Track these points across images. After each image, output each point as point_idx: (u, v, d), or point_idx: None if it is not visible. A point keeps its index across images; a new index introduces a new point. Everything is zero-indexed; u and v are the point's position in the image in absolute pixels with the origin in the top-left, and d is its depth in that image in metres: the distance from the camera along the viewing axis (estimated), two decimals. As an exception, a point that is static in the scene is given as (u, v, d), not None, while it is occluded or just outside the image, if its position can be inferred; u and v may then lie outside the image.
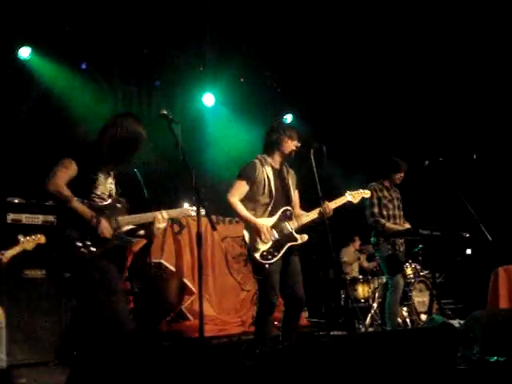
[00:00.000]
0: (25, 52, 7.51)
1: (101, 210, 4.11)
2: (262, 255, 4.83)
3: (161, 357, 5.08)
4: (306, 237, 5.08)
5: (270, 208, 5.01)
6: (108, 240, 4.06)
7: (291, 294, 5.04)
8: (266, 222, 4.95)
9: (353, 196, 5.41)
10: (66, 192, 3.95)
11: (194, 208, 4.56)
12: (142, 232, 4.46)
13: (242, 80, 9.77)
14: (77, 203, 3.98)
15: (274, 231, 4.94)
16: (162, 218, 4.32)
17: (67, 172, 4.03)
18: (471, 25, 8.22)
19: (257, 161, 5.12)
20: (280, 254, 4.90)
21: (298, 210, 5.22)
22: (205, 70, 9.39)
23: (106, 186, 4.25)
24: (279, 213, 5.03)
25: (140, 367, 3.91)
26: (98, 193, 4.16)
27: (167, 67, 9.08)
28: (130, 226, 4.29)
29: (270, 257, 4.85)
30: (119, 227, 4.16)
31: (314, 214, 5.10)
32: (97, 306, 4.05)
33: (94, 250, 4.00)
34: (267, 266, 4.83)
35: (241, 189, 5.04)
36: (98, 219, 4.01)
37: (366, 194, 5.62)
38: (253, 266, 4.97)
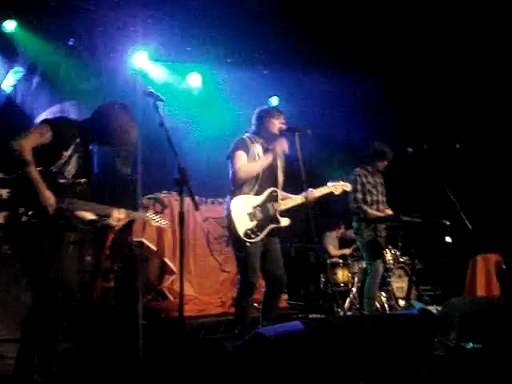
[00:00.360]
0: (10, 25, 7.41)
1: (59, 187, 4.03)
2: (245, 233, 4.85)
3: (139, 335, 5.09)
4: (288, 220, 5.13)
5: (256, 186, 5.04)
6: (48, 214, 3.94)
7: (273, 274, 5.09)
8: (252, 201, 4.97)
9: (335, 187, 5.49)
10: (28, 156, 3.84)
11: (155, 217, 4.60)
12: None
13: (229, 61, 9.72)
14: (34, 170, 3.87)
15: (259, 211, 4.95)
16: (117, 217, 4.27)
17: (39, 138, 3.95)
18: (456, 15, 8.21)
19: (246, 138, 5.15)
20: (262, 235, 4.93)
21: (282, 193, 5.25)
22: (191, 49, 9.30)
23: (75, 167, 4.17)
24: (266, 193, 5.05)
25: (119, 345, 3.92)
26: (64, 170, 4.09)
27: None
28: (89, 215, 4.23)
29: (252, 236, 4.87)
30: (72, 209, 4.08)
31: (298, 200, 5.14)
32: (36, 276, 4.02)
33: (34, 220, 3.91)
34: (248, 244, 4.85)
35: (242, 158, 5.05)
36: (45, 191, 3.91)
37: (347, 187, 5.67)
38: (234, 242, 4.99)
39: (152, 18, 8.31)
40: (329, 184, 5.49)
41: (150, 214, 4.61)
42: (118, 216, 4.26)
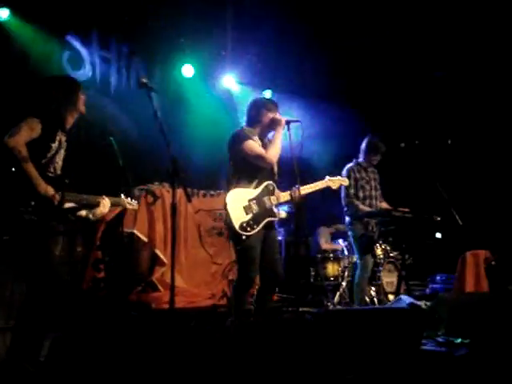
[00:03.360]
0: (3, 13, 7.38)
1: (50, 180, 4.09)
2: (240, 226, 4.84)
3: (130, 326, 5.09)
4: (284, 214, 5.13)
5: (257, 179, 5.03)
6: (53, 209, 4.04)
7: (268, 268, 5.07)
8: (248, 194, 4.97)
9: (332, 182, 5.51)
10: (25, 153, 3.91)
11: (132, 201, 4.71)
12: (83, 213, 4.45)
13: (224, 53, 9.75)
14: (31, 167, 3.94)
15: (255, 204, 4.95)
16: (106, 204, 4.37)
17: (31, 133, 4.00)
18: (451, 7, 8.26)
19: (244, 131, 5.13)
20: (258, 228, 4.91)
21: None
22: (185, 41, 9.32)
23: (61, 156, 4.24)
24: (262, 186, 5.04)
25: (109, 336, 3.93)
26: (54, 162, 4.16)
27: (147, 37, 8.99)
28: (72, 204, 4.28)
29: (248, 228, 4.85)
30: (63, 202, 4.13)
31: (286, 197, 5.13)
32: (33, 269, 4.07)
33: (35, 218, 3.98)
34: (244, 237, 4.85)
35: (256, 145, 5.03)
36: (45, 186, 4.00)
37: (345, 182, 5.75)
38: (232, 236, 5.00)
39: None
40: (326, 178, 5.51)
41: (125, 199, 4.69)
42: (107, 202, 4.41)
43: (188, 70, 9.50)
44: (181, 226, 7.53)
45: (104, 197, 4.42)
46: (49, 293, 4.03)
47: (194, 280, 7.60)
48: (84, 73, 8.37)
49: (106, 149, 5.15)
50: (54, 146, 4.14)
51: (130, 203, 4.75)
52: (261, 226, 4.95)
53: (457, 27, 8.44)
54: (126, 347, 4.58)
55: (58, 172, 4.20)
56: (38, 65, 7.75)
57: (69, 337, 4.34)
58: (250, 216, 4.91)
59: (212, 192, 7.94)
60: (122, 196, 4.70)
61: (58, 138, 4.19)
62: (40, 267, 4.03)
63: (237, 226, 4.85)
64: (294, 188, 5.12)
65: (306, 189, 5.26)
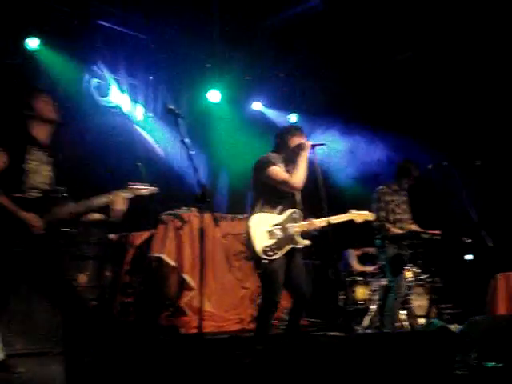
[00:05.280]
0: (33, 43, 7.53)
1: (32, 202, 3.88)
2: (263, 250, 4.83)
3: (158, 350, 5.09)
4: (307, 242, 5.10)
5: (280, 206, 5.03)
6: (36, 235, 3.84)
7: (297, 290, 5.06)
8: (272, 219, 4.97)
9: (356, 216, 5.44)
10: None
11: (138, 185, 4.35)
12: (96, 216, 4.25)
13: (248, 78, 9.83)
14: (3, 200, 3.74)
15: (279, 230, 4.94)
16: (123, 197, 4.10)
17: None
18: (476, 28, 8.23)
19: (269, 157, 5.14)
20: (280, 253, 4.89)
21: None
22: (211, 66, 9.42)
23: (45, 173, 4.03)
24: (287, 213, 5.03)
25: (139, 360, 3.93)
26: (34, 182, 3.93)
27: (174, 63, 9.11)
28: (97, 216, 4.18)
29: (270, 253, 4.84)
30: (55, 219, 3.94)
31: (304, 227, 5.10)
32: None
33: (20, 248, 3.80)
34: (265, 261, 4.84)
35: (281, 171, 5.03)
36: (23, 214, 3.79)
37: (370, 217, 5.64)
38: (253, 259, 4.98)
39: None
40: (351, 211, 5.45)
41: (132, 185, 4.32)
42: (119, 197, 4.11)
43: (214, 96, 9.59)
44: (209, 251, 7.54)
45: (113, 193, 4.09)
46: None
47: (223, 304, 7.59)
48: (111, 99, 8.51)
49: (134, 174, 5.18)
50: (30, 166, 3.92)
51: (140, 188, 4.27)
52: (282, 252, 4.93)
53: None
54: (155, 371, 4.59)
55: (47, 188, 3.99)
56: (67, 92, 7.91)
57: (98, 361, 4.35)
58: (273, 241, 4.90)
59: (240, 216, 7.95)
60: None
61: (31, 157, 3.96)
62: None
63: (259, 250, 4.85)
64: (312, 220, 5.10)
65: (330, 220, 5.19)
